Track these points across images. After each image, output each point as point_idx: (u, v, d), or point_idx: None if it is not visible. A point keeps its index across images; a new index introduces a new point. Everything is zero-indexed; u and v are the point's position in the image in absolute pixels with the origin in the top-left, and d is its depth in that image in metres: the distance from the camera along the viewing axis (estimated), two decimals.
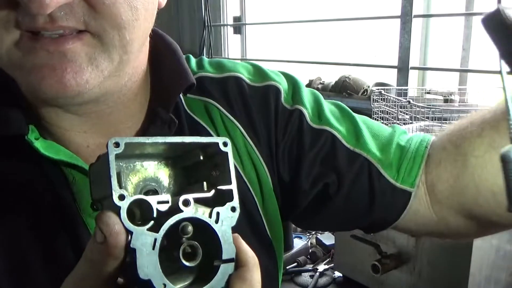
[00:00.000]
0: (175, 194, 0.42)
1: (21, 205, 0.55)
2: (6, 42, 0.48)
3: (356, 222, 0.71)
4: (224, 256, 0.38)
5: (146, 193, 0.41)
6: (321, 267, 2.05)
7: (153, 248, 0.36)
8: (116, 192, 0.35)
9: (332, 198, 0.67)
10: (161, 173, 0.43)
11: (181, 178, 0.44)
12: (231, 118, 0.67)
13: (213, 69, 0.70)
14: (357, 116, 0.72)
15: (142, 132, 0.61)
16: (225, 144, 0.41)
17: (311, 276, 2.01)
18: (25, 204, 0.55)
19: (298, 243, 2.23)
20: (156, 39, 0.62)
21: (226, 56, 3.83)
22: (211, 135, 0.65)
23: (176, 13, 4.09)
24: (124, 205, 0.35)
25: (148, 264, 0.35)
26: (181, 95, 0.65)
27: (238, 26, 3.80)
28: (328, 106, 0.71)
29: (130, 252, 0.35)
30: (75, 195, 0.56)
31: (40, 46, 0.48)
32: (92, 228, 0.56)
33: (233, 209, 0.40)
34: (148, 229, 0.36)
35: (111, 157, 0.36)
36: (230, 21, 3.79)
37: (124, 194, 0.36)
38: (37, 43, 0.48)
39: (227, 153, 0.41)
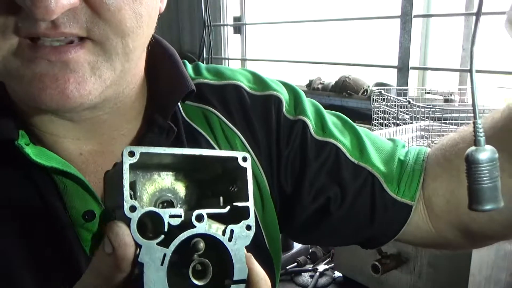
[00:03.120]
0: (191, 206, 0.41)
1: (9, 214, 0.53)
2: (2, 50, 0.46)
3: (355, 236, 0.70)
4: (236, 277, 0.37)
5: (162, 204, 0.40)
6: (321, 267, 2.04)
7: (162, 264, 0.34)
8: (127, 203, 0.34)
9: (333, 213, 0.66)
10: (178, 184, 0.41)
11: (198, 190, 0.42)
12: (231, 126, 0.65)
13: (212, 76, 0.69)
14: (359, 129, 0.71)
15: (138, 139, 0.59)
16: (244, 159, 0.39)
17: (311, 276, 2.01)
18: (13, 213, 0.53)
19: (298, 243, 2.23)
20: (152, 44, 0.60)
21: (226, 56, 3.82)
22: (210, 143, 0.64)
23: (176, 13, 4.09)
24: (135, 217, 0.34)
25: (156, 280, 0.34)
26: (179, 102, 0.64)
27: (238, 26, 3.80)
28: (330, 118, 0.71)
29: (138, 266, 0.34)
30: (66, 204, 0.54)
31: (41, 56, 0.46)
32: (84, 239, 0.54)
33: (248, 227, 0.38)
34: (158, 244, 0.34)
35: (125, 167, 0.35)
36: (230, 21, 3.79)
37: (136, 206, 0.34)
38: (37, 52, 0.46)
39: (246, 168, 0.39)
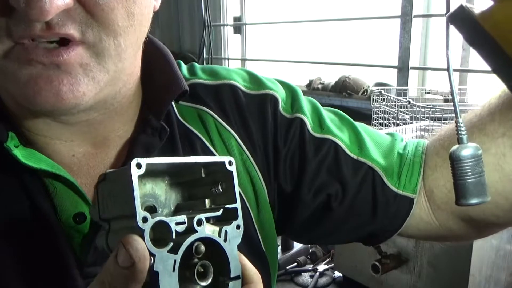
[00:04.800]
0: (172, 210, 0.43)
1: None
2: None
3: (358, 233, 0.70)
4: (232, 274, 0.39)
5: (145, 210, 0.41)
6: (321, 267, 2.05)
7: (173, 270, 0.36)
8: (140, 215, 0.35)
9: (334, 210, 0.66)
10: (158, 188, 0.42)
11: (177, 193, 0.44)
12: (227, 127, 0.65)
13: (207, 76, 0.68)
14: (357, 124, 0.71)
15: (132, 140, 0.59)
16: (230, 163, 0.41)
17: (311, 276, 2.01)
18: (2, 216, 0.52)
19: (298, 243, 2.23)
20: (146, 43, 0.59)
21: (226, 56, 3.83)
22: (205, 145, 0.63)
23: (176, 13, 4.09)
24: (147, 228, 0.35)
25: (169, 286, 0.36)
26: (173, 102, 0.63)
27: (238, 26, 3.80)
28: (327, 114, 0.70)
29: (152, 275, 0.35)
30: (56, 207, 0.53)
31: (35, 58, 0.46)
32: (75, 241, 0.54)
33: (238, 227, 0.41)
34: (168, 251, 0.36)
35: (134, 179, 0.36)
36: (230, 21, 3.79)
37: (147, 217, 0.35)
38: (31, 54, 0.46)
39: (232, 172, 0.41)
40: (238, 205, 0.41)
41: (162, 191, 0.43)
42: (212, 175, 0.43)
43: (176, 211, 0.43)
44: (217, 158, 0.42)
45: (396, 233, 0.68)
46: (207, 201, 0.42)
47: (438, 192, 0.65)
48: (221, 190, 0.42)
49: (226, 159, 0.41)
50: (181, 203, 0.43)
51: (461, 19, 0.44)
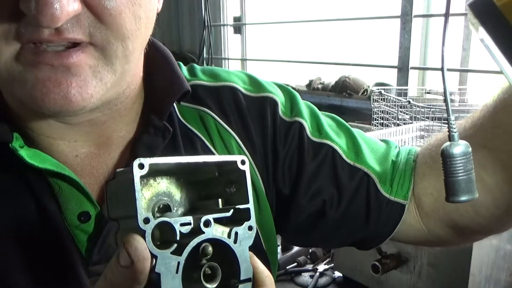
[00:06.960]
0: (188, 209, 0.42)
1: (3, 217, 0.53)
2: (4, 55, 0.47)
3: (351, 237, 0.71)
4: (242, 276, 0.38)
5: (159, 208, 0.41)
6: (321, 267, 2.04)
7: (177, 272, 0.35)
8: (141, 216, 0.35)
9: (329, 214, 0.67)
10: (173, 187, 0.42)
11: (193, 192, 0.43)
12: (227, 127, 0.66)
13: (207, 77, 0.69)
14: (354, 130, 0.72)
15: (135, 140, 0.60)
16: (243, 163, 0.41)
17: (311, 276, 2.01)
18: (7, 215, 0.53)
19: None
20: (148, 45, 0.59)
21: (226, 56, 3.83)
22: (205, 145, 0.64)
23: (176, 13, 4.09)
24: (148, 229, 0.35)
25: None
26: (174, 103, 0.64)
27: (238, 26, 3.80)
28: (325, 119, 0.71)
29: (154, 277, 0.35)
30: (61, 206, 0.54)
31: (43, 61, 0.46)
32: (79, 240, 0.54)
33: (250, 228, 0.40)
34: (172, 252, 0.36)
35: (136, 180, 0.35)
36: (230, 21, 3.79)
37: (149, 218, 0.35)
38: (39, 57, 0.46)
39: (244, 171, 0.40)
40: (250, 205, 0.40)
41: (177, 190, 0.42)
42: (226, 175, 0.42)
43: (192, 211, 0.42)
44: (229, 157, 0.41)
45: (388, 238, 0.70)
46: (220, 201, 0.42)
47: (427, 199, 0.66)
48: (234, 190, 0.42)
49: (238, 158, 0.41)
50: (197, 203, 0.43)
51: (483, 6, 0.43)
